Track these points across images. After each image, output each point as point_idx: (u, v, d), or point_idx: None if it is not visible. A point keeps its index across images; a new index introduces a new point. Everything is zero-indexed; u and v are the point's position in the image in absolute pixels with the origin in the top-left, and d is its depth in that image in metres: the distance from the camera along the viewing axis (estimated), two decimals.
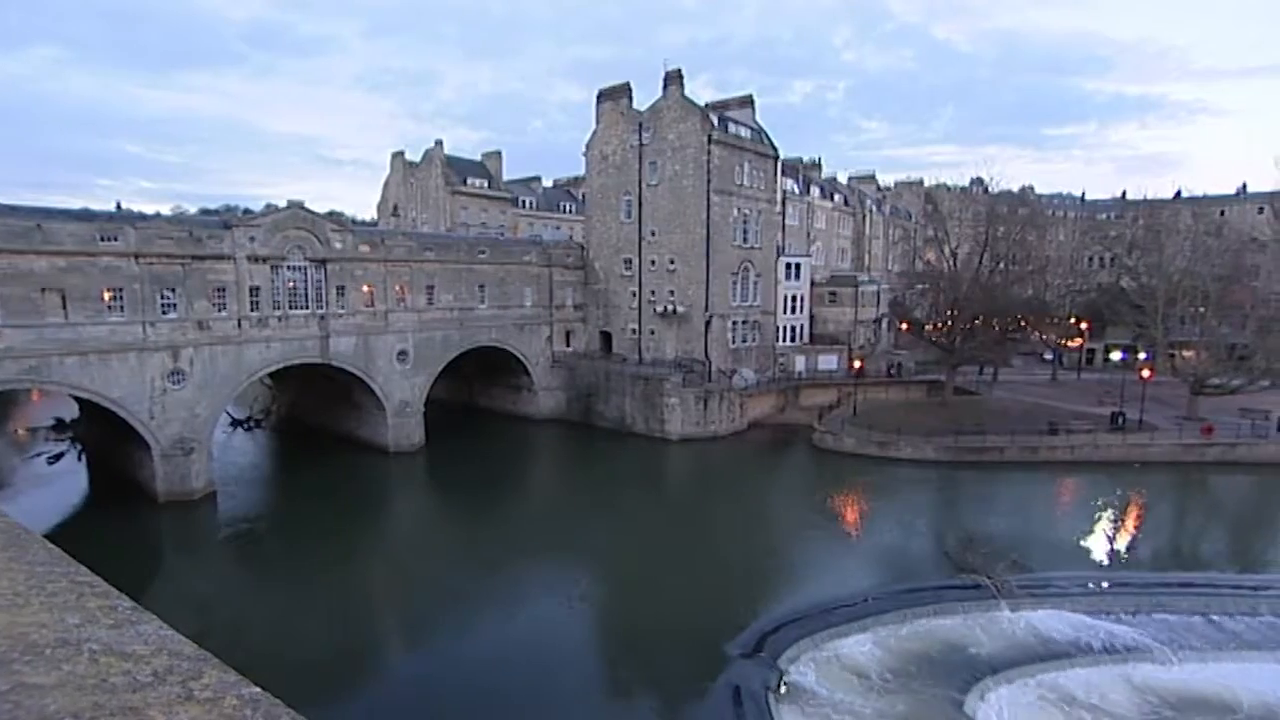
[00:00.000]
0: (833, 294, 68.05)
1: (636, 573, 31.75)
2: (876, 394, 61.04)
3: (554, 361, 60.41)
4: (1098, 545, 35.04)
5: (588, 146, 61.87)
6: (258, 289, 41.09)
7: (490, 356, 57.62)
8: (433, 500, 44.51)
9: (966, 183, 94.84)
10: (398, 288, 49.10)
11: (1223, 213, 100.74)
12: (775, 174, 63.15)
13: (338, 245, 45.12)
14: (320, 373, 46.77)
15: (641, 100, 59.07)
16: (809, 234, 75.91)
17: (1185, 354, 58.58)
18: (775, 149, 62.07)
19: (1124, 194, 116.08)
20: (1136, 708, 21.80)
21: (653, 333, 59.02)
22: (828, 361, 63.80)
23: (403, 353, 49.19)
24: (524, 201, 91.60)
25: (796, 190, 73.77)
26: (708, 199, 54.76)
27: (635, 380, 55.37)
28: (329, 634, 24.65)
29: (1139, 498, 42.68)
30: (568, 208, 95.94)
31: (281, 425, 57.58)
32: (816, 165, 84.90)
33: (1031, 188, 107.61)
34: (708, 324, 56.48)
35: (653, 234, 57.83)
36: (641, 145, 57.33)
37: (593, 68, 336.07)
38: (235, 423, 56.20)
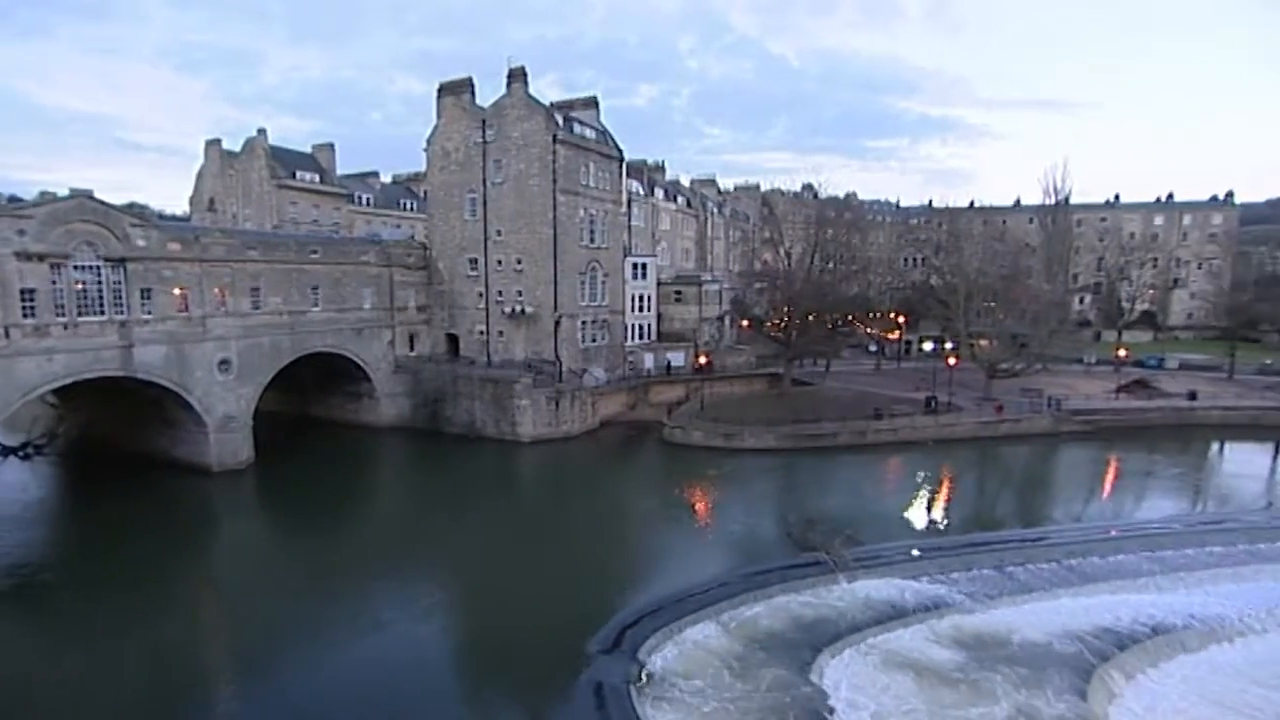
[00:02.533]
0: (678, 293, 70.33)
1: (494, 579, 30.95)
2: (722, 388, 63.90)
3: (397, 366, 57.43)
4: (917, 516, 38.91)
5: (429, 142, 59.46)
6: (33, 291, 35.34)
7: (327, 363, 53.69)
8: (266, 523, 40.64)
9: (798, 188, 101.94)
10: (217, 290, 44.36)
11: (1004, 221, 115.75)
12: (620, 175, 64.18)
13: (140, 243, 39.95)
14: (123, 387, 41.18)
15: (486, 96, 57.76)
16: (654, 235, 77.92)
17: (981, 343, 66.52)
18: (620, 150, 63.04)
19: (930, 202, 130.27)
20: (948, 653, 24.38)
21: (501, 334, 57.84)
22: (675, 358, 65.85)
23: (225, 362, 44.51)
24: (361, 198, 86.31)
25: (641, 192, 75.42)
26: (554, 199, 54.52)
27: (484, 383, 53.97)
28: (142, 694, 21.70)
29: (949, 471, 47.92)
30: (409, 205, 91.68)
31: (72, 450, 50.02)
32: (660, 168, 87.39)
33: (855, 194, 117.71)
34: (557, 324, 56.25)
35: (499, 233, 56.66)
36: (485, 142, 55.97)
37: (436, 60, 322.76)
38: (7, 451, 48.11)
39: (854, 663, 23.87)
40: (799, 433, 51.98)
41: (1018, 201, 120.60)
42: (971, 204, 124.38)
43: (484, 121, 56.04)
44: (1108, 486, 46.07)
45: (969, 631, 25.87)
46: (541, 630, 25.29)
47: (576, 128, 58.28)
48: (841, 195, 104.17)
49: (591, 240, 59.06)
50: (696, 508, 40.98)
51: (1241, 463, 52.65)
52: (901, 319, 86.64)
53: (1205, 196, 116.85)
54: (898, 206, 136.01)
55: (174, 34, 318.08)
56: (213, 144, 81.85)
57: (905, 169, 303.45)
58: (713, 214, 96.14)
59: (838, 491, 43.01)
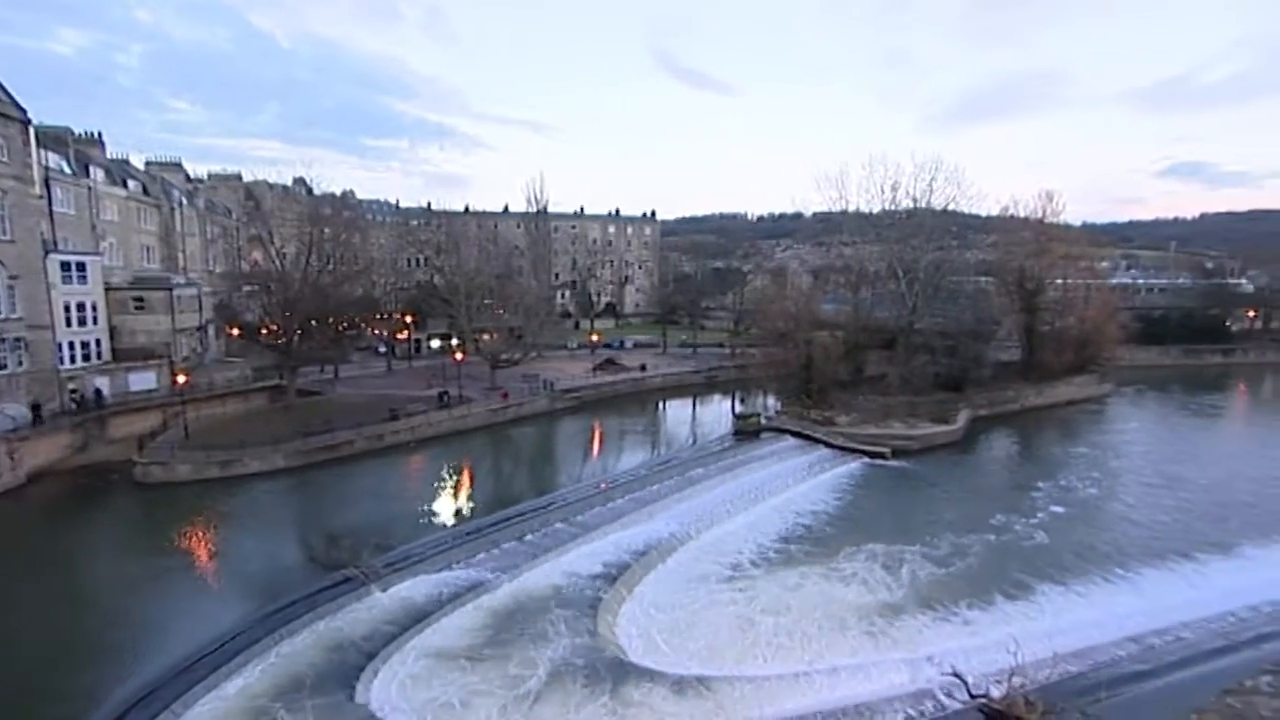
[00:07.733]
0: (139, 300, 57.21)
1: None
2: (212, 409, 55.02)
3: None
4: (445, 508, 40.10)
5: None
6: None
7: None
8: None
9: (290, 182, 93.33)
10: None
11: (496, 225, 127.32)
12: (29, 144, 48.55)
13: None
14: None
15: None
16: (95, 227, 61.57)
17: (484, 337, 72.15)
18: (23, 110, 47.60)
19: (429, 205, 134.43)
20: (483, 631, 25.81)
21: None
22: (143, 380, 53.44)
23: None
24: None
25: (69, 170, 58.61)
26: None
27: None
28: None
29: (468, 459, 50.69)
30: None
31: None
32: (96, 141, 69.12)
33: (353, 192, 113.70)
34: None
35: None
36: None
37: None
38: None
39: (398, 670, 23.31)
40: (311, 446, 48.00)
41: (506, 208, 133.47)
42: (467, 208, 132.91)
43: None
44: (596, 449, 55.47)
45: (498, 605, 27.79)
46: None
47: None
48: (338, 192, 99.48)
49: None
50: (197, 555, 34.26)
51: (676, 415, 69.61)
52: (410, 318, 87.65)
53: (639, 213, 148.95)
54: (398, 207, 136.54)
55: None
56: None
57: (407, 171, 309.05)
58: (182, 205, 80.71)
59: (362, 501, 41.26)
